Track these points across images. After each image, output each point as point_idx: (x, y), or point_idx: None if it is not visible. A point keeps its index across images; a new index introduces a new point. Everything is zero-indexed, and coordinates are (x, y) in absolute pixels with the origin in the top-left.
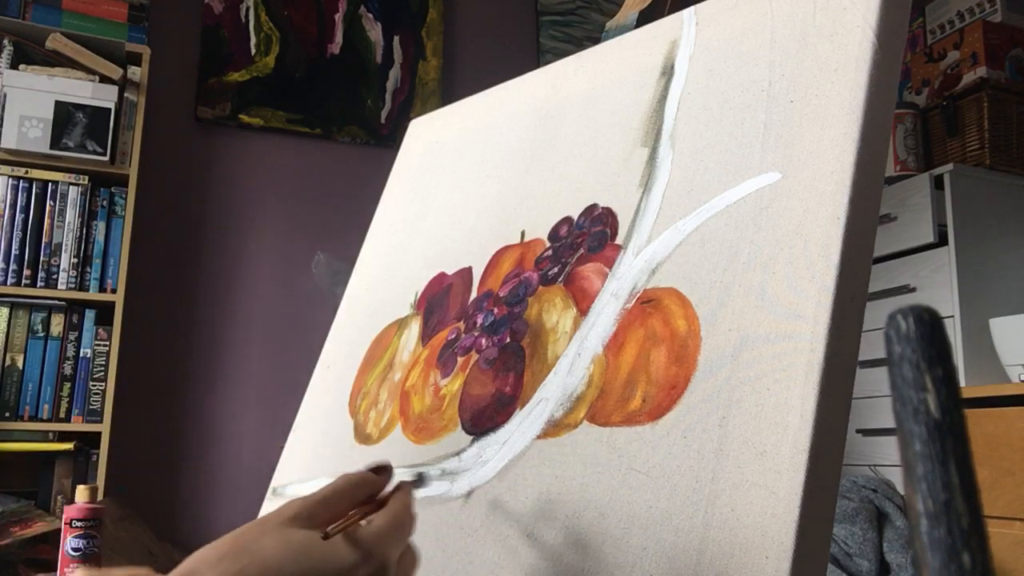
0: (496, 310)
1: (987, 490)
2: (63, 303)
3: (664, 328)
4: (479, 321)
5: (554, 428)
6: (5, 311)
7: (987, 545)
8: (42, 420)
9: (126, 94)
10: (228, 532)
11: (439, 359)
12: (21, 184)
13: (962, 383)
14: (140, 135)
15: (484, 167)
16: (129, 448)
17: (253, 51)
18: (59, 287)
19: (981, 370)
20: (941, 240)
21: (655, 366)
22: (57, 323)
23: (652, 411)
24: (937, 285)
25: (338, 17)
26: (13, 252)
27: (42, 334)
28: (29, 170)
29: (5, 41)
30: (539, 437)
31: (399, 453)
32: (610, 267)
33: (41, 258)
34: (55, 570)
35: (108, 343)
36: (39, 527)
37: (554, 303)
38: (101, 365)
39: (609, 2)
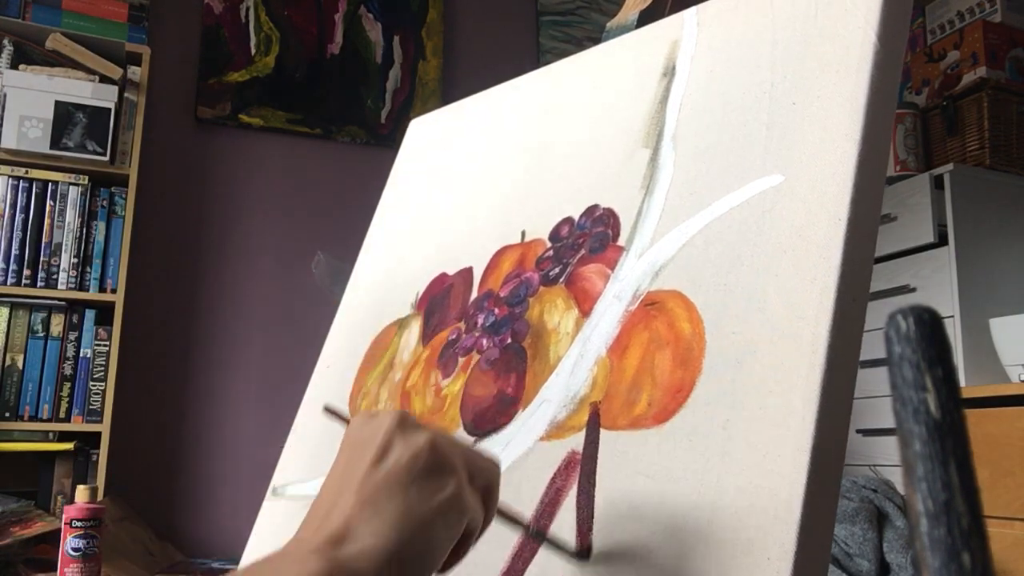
0: (497, 310)
1: (987, 490)
2: (63, 303)
3: (668, 331)
4: (480, 321)
5: (557, 430)
6: (5, 311)
7: (987, 545)
8: (42, 420)
9: (126, 94)
10: (227, 532)
11: (440, 359)
12: (21, 184)
13: (962, 383)
14: (140, 135)
15: (484, 167)
16: (129, 448)
17: (253, 51)
18: (59, 287)
19: (981, 370)
20: (941, 240)
21: (660, 369)
22: (57, 323)
23: (657, 415)
24: (937, 285)
25: (338, 17)
26: (13, 252)
27: (42, 334)
28: (29, 170)
29: (5, 41)
30: (542, 439)
31: None
32: (612, 268)
33: (41, 258)
34: (55, 570)
35: (108, 343)
36: (39, 527)
37: (555, 304)
38: (101, 365)
39: (609, 2)
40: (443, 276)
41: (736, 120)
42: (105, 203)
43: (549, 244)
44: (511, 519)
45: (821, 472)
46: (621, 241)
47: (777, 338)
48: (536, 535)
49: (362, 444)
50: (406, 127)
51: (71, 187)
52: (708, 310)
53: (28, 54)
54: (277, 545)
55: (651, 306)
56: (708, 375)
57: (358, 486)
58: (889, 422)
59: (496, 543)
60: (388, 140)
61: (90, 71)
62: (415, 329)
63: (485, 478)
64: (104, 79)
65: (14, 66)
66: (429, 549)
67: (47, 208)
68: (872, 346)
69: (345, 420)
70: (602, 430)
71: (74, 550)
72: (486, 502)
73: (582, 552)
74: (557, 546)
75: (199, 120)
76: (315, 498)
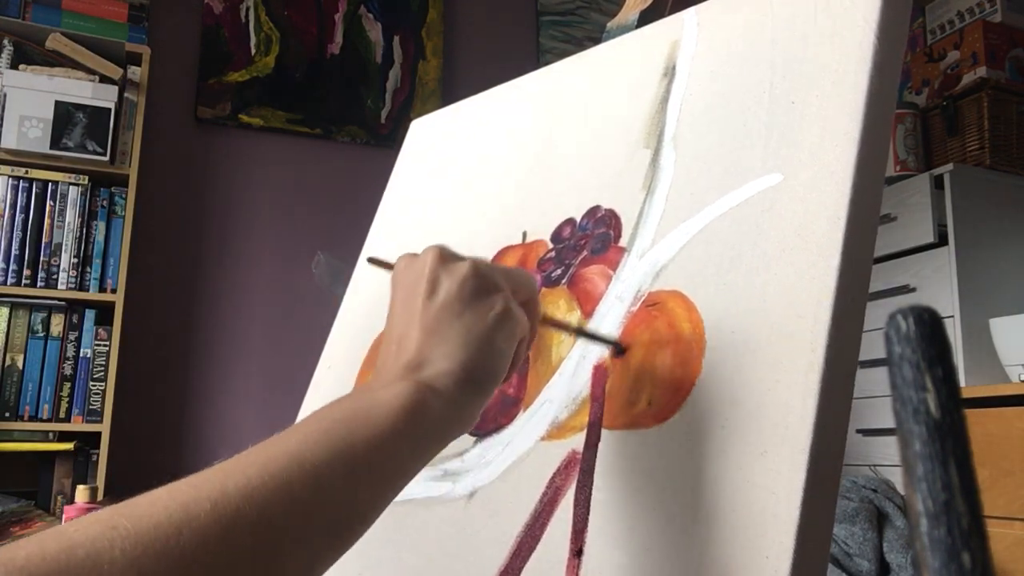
0: None
1: (987, 490)
2: (63, 303)
3: (669, 331)
4: None
5: (558, 430)
6: (5, 311)
7: (987, 545)
8: (42, 420)
9: (126, 94)
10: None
11: None
12: (21, 184)
13: (962, 383)
14: (140, 135)
15: (485, 167)
16: (129, 448)
17: (253, 51)
18: (59, 287)
19: (981, 370)
20: (941, 240)
21: (660, 369)
22: (57, 323)
23: (657, 414)
24: (937, 285)
25: (338, 17)
26: (13, 252)
27: (42, 334)
28: (29, 170)
29: (5, 41)
30: (543, 439)
31: None
32: (614, 269)
33: (41, 258)
34: None
35: (108, 343)
36: (39, 527)
37: (558, 305)
38: (101, 365)
39: (609, 2)
40: None
41: (736, 120)
42: (105, 203)
43: (551, 245)
44: (555, 324)
45: (820, 471)
46: (623, 242)
47: (776, 337)
48: (578, 332)
49: (412, 283)
50: (406, 127)
51: (71, 187)
52: (708, 310)
53: (28, 54)
54: None
55: (652, 307)
56: (707, 374)
57: (419, 320)
58: (889, 422)
59: (495, 541)
60: (388, 140)
61: (90, 71)
62: None
63: (526, 291)
64: (104, 79)
65: (14, 66)
66: (495, 360)
67: (47, 208)
68: (872, 346)
69: (389, 266)
70: (602, 429)
71: None
72: (529, 312)
73: (619, 348)
74: (598, 339)
75: (199, 120)
76: (383, 345)
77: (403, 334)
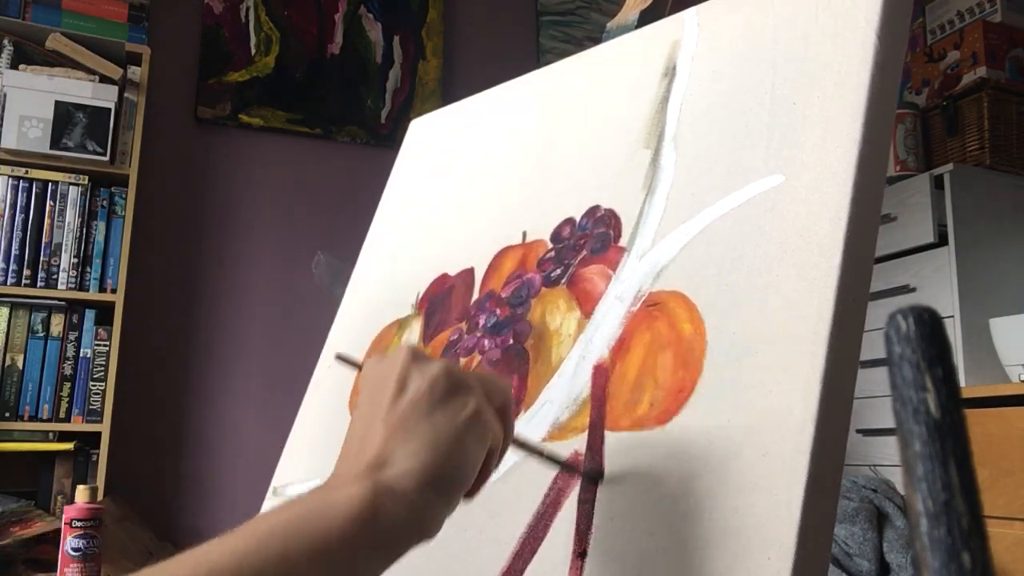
0: (499, 311)
1: (987, 490)
2: (63, 303)
3: (670, 332)
4: (481, 322)
5: (560, 431)
6: (5, 311)
7: (987, 545)
8: (42, 420)
9: (126, 94)
10: (227, 532)
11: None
12: (21, 184)
13: (962, 383)
14: (140, 135)
15: (485, 167)
16: (129, 448)
17: (253, 51)
18: (59, 287)
19: (981, 370)
20: (941, 240)
21: (661, 370)
22: (57, 323)
23: (659, 415)
24: (937, 285)
25: (338, 17)
26: (13, 252)
27: (42, 334)
28: (29, 170)
29: (5, 41)
30: (544, 440)
31: None
32: (613, 269)
33: (41, 258)
34: (55, 570)
35: (108, 343)
36: (39, 527)
37: (557, 305)
38: (101, 365)
39: (609, 2)
40: (444, 276)
41: (737, 120)
42: (105, 203)
43: (551, 245)
44: (524, 446)
45: (821, 472)
46: (623, 242)
47: (778, 338)
48: (549, 459)
49: (381, 382)
50: (406, 127)
51: (71, 187)
52: (709, 310)
53: (28, 54)
54: None
55: (653, 307)
56: (709, 375)
57: (385, 418)
58: (889, 422)
59: (495, 542)
60: (388, 140)
61: (90, 71)
62: (416, 329)
63: (500, 398)
64: (104, 79)
65: (14, 66)
66: (462, 464)
67: (47, 208)
68: (872, 346)
69: (357, 365)
70: (604, 431)
71: (74, 550)
72: (503, 419)
73: (593, 474)
74: (571, 468)
75: (199, 120)
76: (344, 441)
77: (366, 432)
